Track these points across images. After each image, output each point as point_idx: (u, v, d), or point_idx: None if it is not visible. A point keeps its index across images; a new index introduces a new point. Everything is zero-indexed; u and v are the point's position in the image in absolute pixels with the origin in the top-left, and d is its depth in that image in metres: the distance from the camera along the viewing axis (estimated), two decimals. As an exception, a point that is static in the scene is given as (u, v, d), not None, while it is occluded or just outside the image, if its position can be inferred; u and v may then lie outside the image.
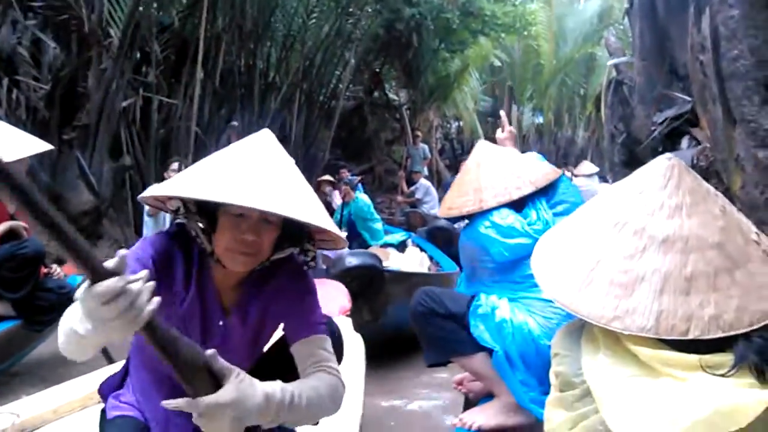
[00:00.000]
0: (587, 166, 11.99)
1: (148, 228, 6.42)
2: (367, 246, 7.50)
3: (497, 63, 20.80)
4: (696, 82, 3.57)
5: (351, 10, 12.60)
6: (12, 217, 3.90)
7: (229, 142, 5.50)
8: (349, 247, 7.50)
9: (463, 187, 2.81)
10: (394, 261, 6.41)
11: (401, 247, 7.55)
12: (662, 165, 1.42)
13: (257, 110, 11.23)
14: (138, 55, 8.43)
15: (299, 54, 12.08)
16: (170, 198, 1.71)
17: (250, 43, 10.95)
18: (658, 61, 4.70)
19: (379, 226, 7.92)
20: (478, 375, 2.66)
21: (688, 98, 4.28)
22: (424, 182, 11.67)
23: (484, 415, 2.56)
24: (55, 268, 4.26)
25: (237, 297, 1.81)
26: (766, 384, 1.19)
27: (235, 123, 5.74)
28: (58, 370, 4.29)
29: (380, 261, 4.88)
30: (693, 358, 1.23)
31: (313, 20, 12.18)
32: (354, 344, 3.29)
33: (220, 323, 1.78)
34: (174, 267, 1.71)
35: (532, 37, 19.38)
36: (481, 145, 2.96)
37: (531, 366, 2.36)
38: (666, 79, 4.65)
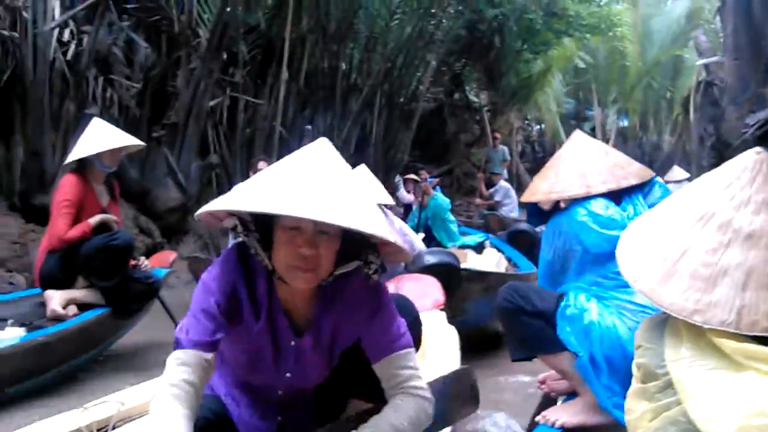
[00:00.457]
0: (678, 172, 11.57)
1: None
2: (444, 248, 7.46)
3: (581, 65, 20.40)
4: None
5: (433, 11, 12.55)
6: (104, 210, 4.06)
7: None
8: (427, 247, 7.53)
9: (562, 173, 2.72)
10: (471, 262, 6.35)
11: (479, 248, 7.43)
12: (750, 159, 1.40)
13: (339, 111, 11.34)
14: (225, 55, 8.65)
15: (381, 56, 12.13)
16: (228, 214, 1.67)
17: (333, 44, 11.05)
18: (753, 59, 4.50)
19: (454, 227, 7.81)
20: (563, 373, 2.62)
21: None
22: (503, 184, 11.50)
23: (566, 412, 2.53)
24: (143, 260, 4.41)
25: (307, 315, 1.77)
26: None
27: (309, 127, 5.78)
28: (148, 357, 4.45)
29: (457, 260, 4.89)
30: None
31: (396, 21, 12.21)
32: (449, 337, 3.29)
33: (292, 343, 1.76)
34: (240, 296, 1.69)
35: (618, 38, 18.96)
36: (579, 135, 2.89)
37: (616, 370, 2.29)
38: (761, 79, 4.43)
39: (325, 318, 1.77)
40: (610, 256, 2.31)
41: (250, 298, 1.70)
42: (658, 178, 2.80)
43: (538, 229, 7.66)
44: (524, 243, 7.25)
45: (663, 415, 1.32)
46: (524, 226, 8.01)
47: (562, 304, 2.46)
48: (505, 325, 2.63)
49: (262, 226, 1.62)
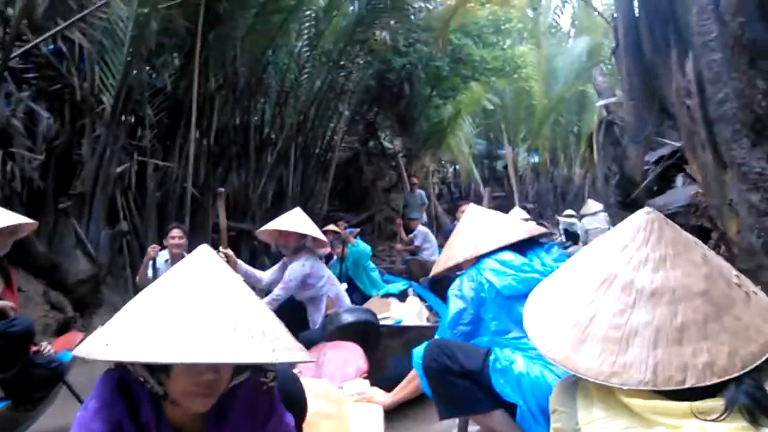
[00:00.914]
0: (592, 205, 12.11)
1: None
2: (367, 296, 7.43)
3: (489, 106, 20.94)
4: (684, 126, 3.50)
5: (342, 63, 12.73)
6: (-1, 297, 3.86)
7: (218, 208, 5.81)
8: (350, 299, 7.44)
9: (458, 242, 2.89)
10: (394, 311, 6.31)
11: (402, 296, 7.40)
12: (642, 219, 1.48)
13: (253, 167, 11.27)
14: (132, 119, 8.49)
15: (293, 109, 12.17)
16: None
17: (244, 100, 11.02)
18: (647, 100, 4.70)
19: (376, 275, 7.85)
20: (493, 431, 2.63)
21: (677, 143, 4.26)
22: (422, 229, 11.59)
23: None
24: (45, 345, 4.19)
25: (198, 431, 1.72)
26: (759, 426, 1.22)
27: (222, 189, 5.75)
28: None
29: (375, 316, 4.88)
30: (684, 405, 1.27)
31: (305, 75, 12.28)
32: (372, 411, 3.22)
33: None
34: (125, 430, 1.59)
35: (523, 78, 19.59)
36: (471, 208, 3.12)
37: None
38: (656, 119, 4.63)
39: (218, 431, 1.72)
40: (522, 297, 2.40)
41: (136, 429, 1.60)
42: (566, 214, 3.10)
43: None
44: (446, 287, 7.31)
45: None
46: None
47: (491, 358, 2.48)
48: (433, 385, 2.62)
49: None
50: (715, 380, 1.28)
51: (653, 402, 1.30)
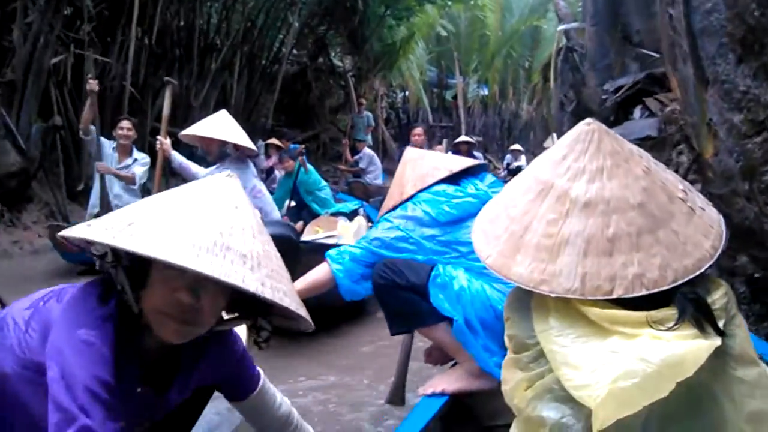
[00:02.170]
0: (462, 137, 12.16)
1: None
2: (315, 215, 7.32)
3: (443, 33, 20.70)
4: (665, 38, 3.11)
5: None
6: None
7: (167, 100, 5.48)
8: (298, 217, 7.27)
9: (392, 190, 2.95)
10: (342, 230, 6.23)
11: (352, 215, 7.26)
12: (582, 130, 1.47)
13: (196, 72, 10.89)
14: (69, 9, 8.03)
15: (240, 15, 11.72)
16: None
17: (190, 1, 10.55)
18: (611, 26, 4.62)
19: (325, 194, 7.63)
20: (441, 344, 2.68)
21: (639, 74, 4.19)
22: (368, 152, 11.48)
23: (447, 380, 2.61)
24: None
25: (166, 369, 1.56)
26: (707, 334, 1.25)
27: (170, 79, 5.51)
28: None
29: (294, 231, 4.58)
30: (640, 314, 1.28)
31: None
32: None
33: (139, 390, 1.50)
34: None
35: (478, 7, 19.41)
36: (407, 151, 3.10)
37: (492, 331, 2.39)
38: (619, 46, 4.57)
39: (190, 374, 1.61)
40: (458, 221, 2.59)
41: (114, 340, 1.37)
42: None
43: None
44: None
45: (537, 383, 1.36)
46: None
47: (432, 273, 2.51)
48: (382, 301, 2.66)
49: (138, 259, 1.34)
50: (644, 292, 1.30)
51: (609, 311, 1.31)
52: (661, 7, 3.16)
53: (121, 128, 6.45)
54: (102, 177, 6.24)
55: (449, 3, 15.70)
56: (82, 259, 4.48)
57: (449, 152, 11.18)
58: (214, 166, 5.02)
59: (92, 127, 6.22)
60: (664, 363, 1.21)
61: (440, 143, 12.05)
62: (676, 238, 1.35)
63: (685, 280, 1.31)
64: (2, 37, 7.05)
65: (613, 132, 1.50)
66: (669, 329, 1.26)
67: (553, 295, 1.34)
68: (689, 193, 1.46)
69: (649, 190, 1.39)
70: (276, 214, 5.26)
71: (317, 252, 4.12)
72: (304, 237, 6.68)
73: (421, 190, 2.74)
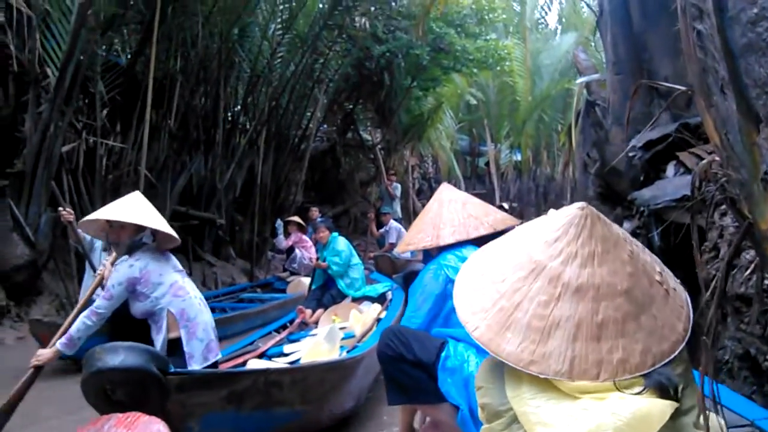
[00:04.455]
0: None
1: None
2: (342, 297, 6.91)
3: (473, 101, 20.54)
4: (692, 62, 2.25)
5: (319, 48, 12.23)
6: None
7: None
8: (318, 302, 6.86)
9: (422, 225, 2.92)
10: (354, 320, 5.79)
11: (381, 299, 6.81)
12: (576, 215, 1.52)
13: (221, 153, 10.71)
14: (81, 96, 7.91)
15: (265, 95, 11.61)
16: None
17: (212, 82, 10.47)
18: (635, 73, 4.15)
19: (357, 274, 7.06)
20: (441, 424, 2.66)
21: (669, 126, 3.67)
22: (394, 224, 11.12)
23: None
24: None
25: None
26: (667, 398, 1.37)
27: (61, 210, 5.12)
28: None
29: (161, 360, 3.07)
30: (608, 383, 1.37)
31: (279, 59, 11.73)
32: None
33: None
34: None
35: (507, 73, 19.25)
36: (444, 187, 3.12)
37: None
38: (645, 96, 4.08)
39: None
40: None
41: None
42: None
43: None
44: None
45: None
46: (418, 266, 7.51)
47: (443, 354, 2.46)
48: (385, 371, 2.64)
49: None
50: (627, 377, 1.37)
51: (579, 383, 1.38)
52: (683, 22, 2.38)
53: None
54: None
55: (476, 71, 15.43)
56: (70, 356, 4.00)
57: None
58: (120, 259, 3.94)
59: (82, 236, 5.48)
60: (634, 417, 1.30)
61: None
62: (656, 322, 1.44)
63: (662, 364, 1.40)
64: (15, 128, 6.85)
65: (603, 216, 1.54)
66: (636, 394, 1.36)
67: (542, 376, 1.40)
68: (664, 274, 1.53)
69: (634, 276, 1.46)
70: (205, 317, 3.96)
71: (206, 386, 3.17)
72: (320, 326, 6.24)
73: (461, 243, 2.75)
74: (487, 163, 22.34)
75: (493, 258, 1.66)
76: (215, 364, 3.91)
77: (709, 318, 1.77)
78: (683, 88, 2.66)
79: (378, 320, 5.78)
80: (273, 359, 5.31)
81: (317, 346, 5.01)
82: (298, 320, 6.66)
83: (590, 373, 1.38)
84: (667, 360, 1.41)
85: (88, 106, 8.13)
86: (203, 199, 10.53)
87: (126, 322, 3.83)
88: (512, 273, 1.54)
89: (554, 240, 1.52)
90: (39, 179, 6.85)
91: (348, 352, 4.51)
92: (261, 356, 5.38)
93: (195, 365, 3.71)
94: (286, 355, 5.40)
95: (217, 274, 10.36)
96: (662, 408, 1.34)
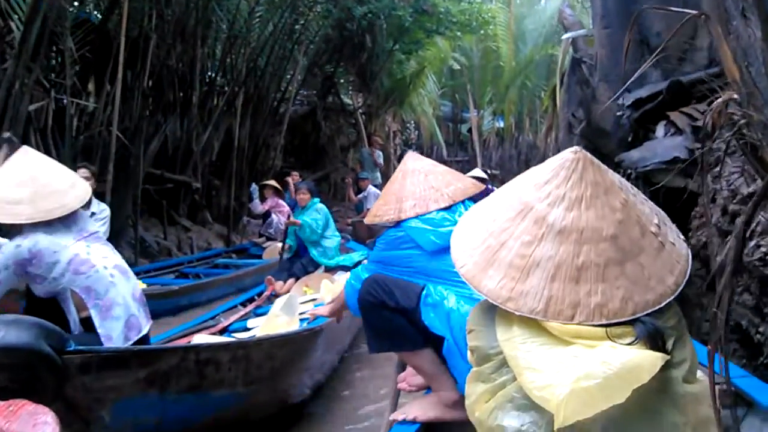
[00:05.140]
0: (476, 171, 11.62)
1: None
2: (315, 266, 6.66)
3: (456, 66, 20.31)
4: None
5: (300, 9, 11.90)
6: None
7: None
8: (289, 272, 6.57)
9: (387, 196, 2.91)
10: (325, 291, 5.48)
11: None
12: (568, 158, 1.53)
13: (197, 115, 10.43)
14: (52, 53, 7.60)
15: (243, 56, 11.30)
16: None
17: (189, 42, 10.15)
18: (624, 28, 3.93)
19: (331, 243, 6.74)
20: (421, 370, 2.69)
21: (659, 83, 3.49)
22: (372, 190, 10.94)
23: (421, 407, 2.63)
24: None
25: None
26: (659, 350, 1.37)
27: (8, 135, 4.45)
28: None
29: (56, 335, 2.51)
30: (599, 329, 1.38)
31: (257, 19, 11.41)
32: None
33: None
34: None
35: (491, 38, 19.04)
36: (408, 156, 3.06)
37: None
38: (635, 52, 3.88)
39: None
40: (445, 250, 2.47)
41: None
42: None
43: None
44: None
45: (498, 393, 1.42)
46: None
47: (423, 293, 2.52)
48: (366, 318, 2.67)
49: None
50: (604, 321, 1.38)
51: (571, 326, 1.39)
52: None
53: (81, 177, 5.73)
54: None
55: (459, 34, 15.17)
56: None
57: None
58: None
59: None
60: (624, 367, 1.29)
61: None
62: (642, 272, 1.43)
63: (645, 313, 1.40)
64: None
65: (598, 162, 1.53)
66: (626, 344, 1.36)
67: (517, 313, 1.43)
68: (662, 227, 1.51)
69: (623, 223, 1.45)
70: (122, 289, 3.27)
71: (108, 368, 2.67)
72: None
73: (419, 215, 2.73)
74: (470, 130, 22.16)
75: (490, 202, 1.69)
76: (144, 342, 3.26)
77: (720, 289, 1.61)
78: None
79: None
80: (234, 335, 4.97)
81: (273, 318, 4.65)
82: (266, 292, 6.38)
83: (565, 314, 1.39)
84: (650, 310, 1.40)
85: (59, 64, 7.81)
86: (179, 162, 10.27)
87: (41, 301, 3.20)
88: (502, 214, 1.56)
89: (544, 182, 1.52)
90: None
91: (309, 323, 4.06)
92: (222, 332, 5.09)
93: None
94: (249, 329, 5.07)
95: (192, 239, 10.15)
96: (653, 360, 1.33)
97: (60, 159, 7.40)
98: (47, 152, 7.30)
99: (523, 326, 1.43)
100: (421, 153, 19.02)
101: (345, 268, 6.46)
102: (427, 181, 2.85)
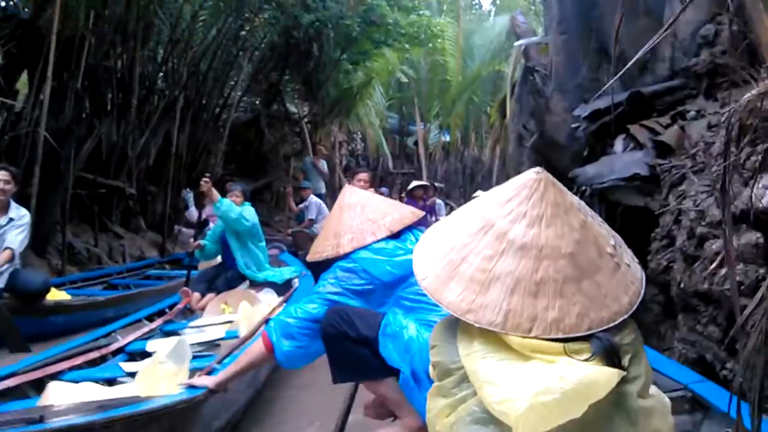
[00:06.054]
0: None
1: None
2: (240, 280, 6.04)
3: (404, 78, 20.27)
4: None
5: (246, 15, 11.63)
6: None
7: None
8: (214, 281, 5.99)
9: (326, 231, 2.89)
10: (243, 313, 4.73)
11: (286, 287, 5.93)
12: (530, 178, 1.58)
13: (134, 118, 10.04)
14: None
15: (184, 60, 10.97)
16: None
17: (129, 43, 9.79)
18: (582, 34, 3.80)
19: (259, 253, 6.16)
20: (386, 398, 2.65)
21: (619, 94, 3.33)
22: (314, 200, 10.66)
23: None
24: None
25: None
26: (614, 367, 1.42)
27: None
28: None
29: None
30: (557, 345, 1.43)
31: (201, 23, 11.11)
32: None
33: None
34: None
35: (439, 52, 19.09)
36: (345, 190, 3.04)
37: None
38: (593, 60, 3.74)
39: None
40: (402, 280, 2.55)
41: None
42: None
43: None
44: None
45: (459, 408, 1.47)
46: None
47: (383, 322, 2.49)
48: (329, 349, 2.61)
49: None
50: (560, 335, 1.42)
51: (530, 341, 1.43)
52: None
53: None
54: None
55: (407, 46, 15.10)
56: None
57: (405, 199, 10.51)
58: None
59: None
60: (581, 383, 1.34)
61: (401, 192, 11.40)
62: (598, 290, 1.48)
63: (599, 330, 1.44)
64: None
65: (560, 184, 1.58)
66: (583, 360, 1.40)
67: (477, 325, 1.47)
68: (618, 249, 1.57)
69: (581, 243, 1.51)
70: None
71: None
72: (207, 314, 5.38)
73: (357, 249, 2.70)
74: (416, 143, 22.14)
75: (451, 220, 1.74)
76: None
77: (756, 328, 1.52)
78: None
79: (267, 320, 4.24)
80: (124, 365, 4.03)
81: (154, 368, 3.43)
82: (179, 305, 5.65)
83: (523, 327, 1.43)
84: (605, 327, 1.44)
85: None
86: (113, 166, 9.87)
87: None
88: (464, 230, 1.61)
89: (506, 200, 1.57)
90: None
91: (201, 374, 3.16)
92: (116, 353, 4.34)
93: None
94: (149, 354, 3.96)
95: (125, 247, 9.74)
96: (609, 376, 1.37)
97: (-17, 161, 7.02)
98: (-33, 152, 6.91)
99: (483, 341, 1.47)
100: (367, 165, 19.00)
101: (273, 285, 5.97)
102: (364, 213, 2.83)
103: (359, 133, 22.11)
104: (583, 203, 1.61)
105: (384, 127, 21.52)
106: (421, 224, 2.87)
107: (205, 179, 6.02)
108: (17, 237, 5.49)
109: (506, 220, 1.54)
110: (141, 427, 2.47)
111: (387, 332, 2.47)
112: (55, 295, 6.15)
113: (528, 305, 1.45)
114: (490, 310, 1.46)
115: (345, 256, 2.71)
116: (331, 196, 13.64)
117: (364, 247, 2.69)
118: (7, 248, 5.41)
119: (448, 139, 23.16)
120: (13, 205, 5.63)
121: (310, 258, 2.88)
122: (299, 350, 2.64)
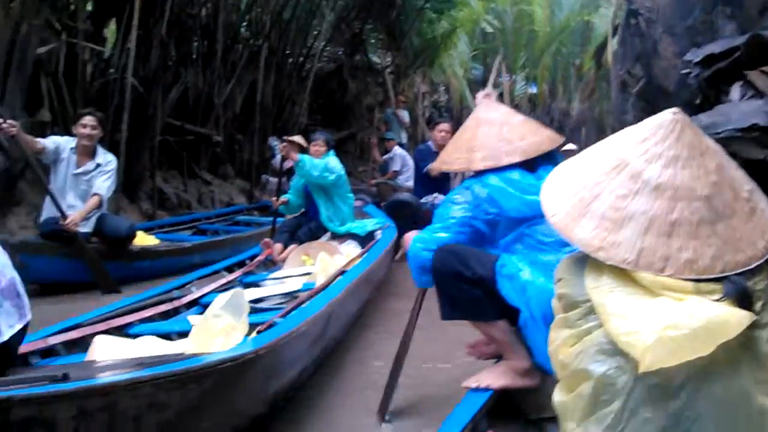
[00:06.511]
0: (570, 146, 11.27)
1: None
2: (322, 231, 5.89)
3: (489, 29, 19.73)
4: None
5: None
6: None
7: None
8: (296, 232, 5.87)
9: (458, 143, 2.84)
10: (321, 264, 4.62)
11: (369, 238, 5.76)
12: (666, 119, 1.56)
13: (219, 67, 10.13)
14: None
15: (267, 8, 10.95)
16: None
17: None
18: None
19: (344, 206, 5.93)
20: (495, 340, 2.71)
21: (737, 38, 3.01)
22: (399, 151, 10.53)
23: (494, 375, 2.66)
24: None
25: None
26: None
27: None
28: None
29: None
30: (689, 283, 1.42)
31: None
32: None
33: None
34: None
35: (526, 1, 18.51)
36: (484, 104, 2.95)
37: None
38: (706, 0, 3.40)
39: None
40: (528, 219, 2.52)
41: None
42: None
43: (423, 200, 6.62)
44: (404, 216, 5.87)
45: (585, 338, 1.48)
46: (405, 196, 6.87)
47: (498, 263, 2.51)
48: (441, 287, 2.65)
49: None
50: (693, 276, 1.41)
51: (661, 278, 1.42)
52: None
53: (84, 125, 5.47)
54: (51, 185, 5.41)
55: (493, -6, 14.69)
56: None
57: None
58: None
59: (43, 145, 5.42)
60: (711, 321, 1.33)
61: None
62: (733, 233, 1.46)
63: (734, 273, 1.41)
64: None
65: (697, 126, 1.56)
66: (714, 300, 1.38)
67: (608, 262, 1.48)
68: (754, 194, 1.55)
69: (717, 185, 1.48)
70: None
71: None
72: (287, 266, 5.32)
73: (492, 170, 2.65)
74: (501, 95, 21.66)
75: (582, 158, 1.72)
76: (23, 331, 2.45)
77: None
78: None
79: (342, 272, 4.32)
80: (192, 316, 3.88)
81: (208, 322, 3.13)
82: (260, 257, 5.51)
83: (656, 266, 1.42)
84: (739, 270, 1.42)
85: (75, 6, 7.52)
86: (200, 114, 10.02)
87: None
88: (596, 168, 1.61)
89: (642, 140, 1.56)
90: (12, 81, 6.33)
91: (259, 332, 2.89)
92: (190, 305, 4.16)
93: None
94: None
95: (214, 193, 9.93)
96: (740, 317, 1.36)
97: (74, 104, 7.22)
98: (59, 98, 7.10)
99: (612, 276, 1.48)
100: (450, 116, 18.69)
101: (356, 237, 5.81)
102: (501, 132, 2.74)
103: (443, 84, 21.75)
104: (719, 146, 1.56)
105: (468, 78, 21.08)
106: (558, 157, 2.66)
107: (282, 144, 5.93)
108: (104, 183, 5.57)
109: (641, 159, 1.52)
110: (176, 389, 2.07)
111: (503, 273, 2.49)
112: (145, 240, 6.28)
113: (662, 245, 1.44)
114: (623, 248, 1.46)
115: (475, 175, 2.69)
116: (413, 147, 13.52)
117: (496, 172, 2.64)
118: (95, 194, 5.51)
119: (534, 91, 22.51)
120: (100, 150, 5.72)
121: (437, 167, 3.02)
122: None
